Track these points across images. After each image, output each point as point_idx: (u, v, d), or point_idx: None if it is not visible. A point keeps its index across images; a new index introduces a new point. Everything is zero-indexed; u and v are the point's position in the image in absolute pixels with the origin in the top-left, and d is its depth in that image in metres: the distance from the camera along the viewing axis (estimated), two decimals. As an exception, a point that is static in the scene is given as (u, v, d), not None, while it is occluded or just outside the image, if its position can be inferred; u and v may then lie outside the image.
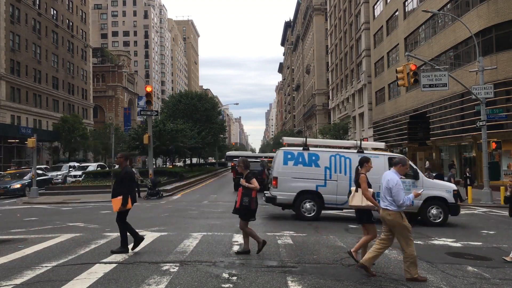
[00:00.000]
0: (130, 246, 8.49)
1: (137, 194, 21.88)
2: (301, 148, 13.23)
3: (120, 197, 8.21)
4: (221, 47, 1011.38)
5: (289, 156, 13.17)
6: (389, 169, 12.42)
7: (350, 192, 7.69)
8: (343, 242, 9.69)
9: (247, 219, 8.24)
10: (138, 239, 8.45)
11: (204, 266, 7.26)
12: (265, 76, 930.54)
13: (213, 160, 74.98)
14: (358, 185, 7.45)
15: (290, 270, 7.05)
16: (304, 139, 13.94)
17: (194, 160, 57.64)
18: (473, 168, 26.67)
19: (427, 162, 27.30)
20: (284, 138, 14.85)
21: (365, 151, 13.16)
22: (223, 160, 79.66)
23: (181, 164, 52.50)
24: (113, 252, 8.16)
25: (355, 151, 13.04)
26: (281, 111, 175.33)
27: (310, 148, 13.30)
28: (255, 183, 8.11)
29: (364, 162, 7.53)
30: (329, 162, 12.93)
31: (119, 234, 10.45)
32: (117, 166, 42.28)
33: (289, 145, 14.37)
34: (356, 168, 7.80)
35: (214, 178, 43.05)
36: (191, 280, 6.38)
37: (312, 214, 13.24)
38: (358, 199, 7.33)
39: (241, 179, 8.32)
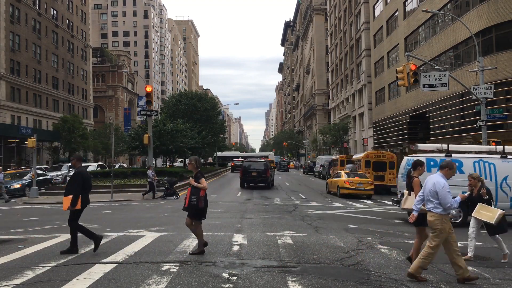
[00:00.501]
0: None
1: (153, 193, 22.00)
2: (443, 155, 13.14)
3: (70, 196, 8.19)
4: (221, 47, 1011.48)
5: (432, 163, 13.07)
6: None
7: (402, 195, 7.72)
8: (343, 242, 9.69)
9: (198, 218, 8.24)
10: (96, 239, 8.33)
11: (204, 266, 7.26)
12: (265, 76, 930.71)
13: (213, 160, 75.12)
14: (410, 189, 7.48)
15: (290, 270, 7.04)
16: (442, 145, 13.83)
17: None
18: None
19: None
20: (418, 144, 14.79)
21: (508, 156, 13.01)
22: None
23: (178, 164, 52.42)
24: (62, 253, 8.08)
25: (498, 156, 12.91)
26: (281, 111, 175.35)
27: (453, 155, 13.16)
28: (203, 183, 8.12)
29: (418, 165, 7.57)
30: (473, 168, 12.73)
31: (119, 234, 10.49)
32: (117, 166, 42.34)
33: (422, 151, 14.27)
34: (408, 171, 7.83)
35: (214, 178, 43.03)
36: (191, 280, 6.38)
37: (459, 220, 13.07)
38: (411, 203, 7.38)
39: (191, 178, 8.35)
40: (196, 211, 8.13)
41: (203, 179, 8.20)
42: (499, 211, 8.11)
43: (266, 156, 71.07)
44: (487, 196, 8.39)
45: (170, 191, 21.76)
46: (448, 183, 6.59)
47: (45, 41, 52.59)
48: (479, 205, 8.30)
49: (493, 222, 7.95)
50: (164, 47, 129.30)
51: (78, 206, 8.22)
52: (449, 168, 6.77)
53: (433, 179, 6.72)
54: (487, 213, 8.13)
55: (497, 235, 8.28)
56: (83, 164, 9.09)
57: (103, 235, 10.01)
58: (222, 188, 29.99)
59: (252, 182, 28.63)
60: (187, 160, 9.20)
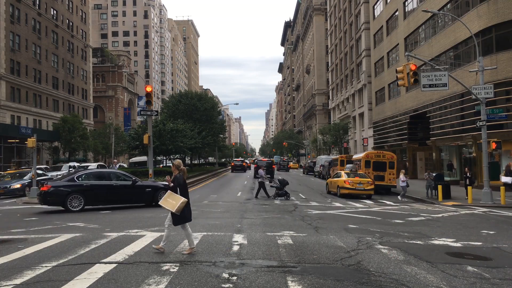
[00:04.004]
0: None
1: (264, 192, 22.14)
2: None
3: None
4: (222, 47, 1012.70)
5: None
6: None
7: None
8: (343, 242, 9.68)
9: None
10: None
11: (204, 266, 7.26)
12: (265, 76, 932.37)
13: (213, 160, 75.44)
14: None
15: (290, 270, 7.04)
16: None
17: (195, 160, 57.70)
18: (473, 168, 26.67)
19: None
20: None
21: None
22: (223, 160, 80.00)
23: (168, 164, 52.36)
24: None
25: None
26: (281, 111, 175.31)
27: None
28: None
29: None
30: None
31: (119, 234, 10.49)
32: (117, 166, 42.30)
33: None
34: None
35: (214, 178, 43.05)
36: (191, 280, 6.38)
37: None
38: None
39: None
40: None
41: None
42: (182, 199, 7.94)
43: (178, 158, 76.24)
44: (172, 184, 8.20)
45: (281, 192, 21.69)
46: None
47: (45, 41, 52.59)
48: (168, 192, 8.13)
49: (174, 211, 7.85)
50: (164, 47, 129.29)
51: None
52: None
53: None
54: (172, 202, 7.94)
55: (186, 224, 8.20)
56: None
57: (103, 235, 10.02)
58: (222, 188, 29.99)
59: None
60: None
